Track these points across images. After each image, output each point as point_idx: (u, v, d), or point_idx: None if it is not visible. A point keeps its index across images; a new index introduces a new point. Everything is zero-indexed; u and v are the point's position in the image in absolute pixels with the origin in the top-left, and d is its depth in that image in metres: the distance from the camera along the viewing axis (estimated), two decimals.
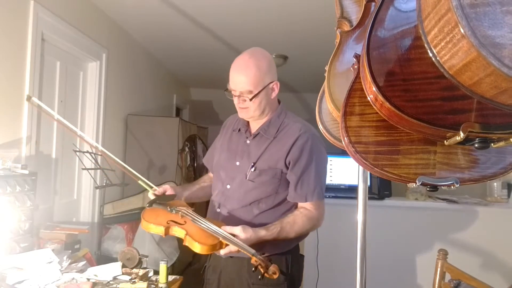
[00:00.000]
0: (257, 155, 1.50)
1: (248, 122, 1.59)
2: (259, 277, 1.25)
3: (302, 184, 1.47)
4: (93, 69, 3.10)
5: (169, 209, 1.46)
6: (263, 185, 1.48)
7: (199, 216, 1.45)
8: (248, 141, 1.56)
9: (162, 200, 1.51)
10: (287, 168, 1.48)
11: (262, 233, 1.37)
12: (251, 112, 1.49)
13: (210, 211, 1.63)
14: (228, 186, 1.55)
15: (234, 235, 1.33)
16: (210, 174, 1.78)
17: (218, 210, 1.57)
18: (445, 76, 0.53)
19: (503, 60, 0.45)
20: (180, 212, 1.44)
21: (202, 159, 1.87)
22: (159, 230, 1.37)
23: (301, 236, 1.52)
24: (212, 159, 1.71)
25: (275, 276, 1.25)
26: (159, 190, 1.54)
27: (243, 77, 1.43)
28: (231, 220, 1.49)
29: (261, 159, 1.49)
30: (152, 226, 1.39)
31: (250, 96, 1.43)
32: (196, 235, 1.32)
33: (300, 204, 1.51)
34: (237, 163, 1.54)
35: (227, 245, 1.32)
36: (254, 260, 1.26)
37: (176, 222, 1.39)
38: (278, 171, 1.47)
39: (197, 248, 1.30)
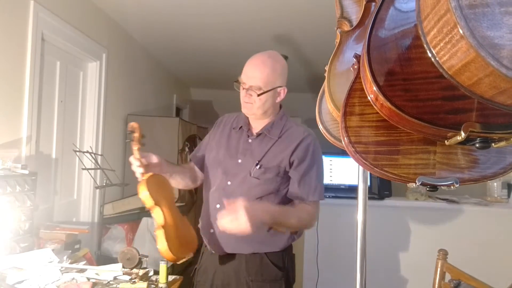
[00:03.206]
0: (261, 153, 1.54)
1: (249, 121, 1.62)
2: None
3: (304, 182, 1.53)
4: (93, 69, 3.10)
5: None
6: (266, 182, 1.52)
7: None
8: (250, 140, 1.59)
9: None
10: (290, 166, 1.53)
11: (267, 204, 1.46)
12: (254, 109, 1.53)
13: (209, 207, 1.60)
14: (229, 183, 1.56)
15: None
16: (191, 165, 1.75)
17: (218, 206, 1.55)
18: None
19: (501, 61, 0.45)
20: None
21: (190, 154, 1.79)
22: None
23: (296, 232, 1.59)
24: (202, 155, 1.71)
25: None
26: (144, 160, 1.47)
27: (258, 72, 1.49)
28: None
29: (266, 157, 1.54)
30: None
31: (258, 92, 1.49)
32: None
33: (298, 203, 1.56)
34: (239, 161, 1.57)
35: None
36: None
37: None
38: (282, 170, 1.53)
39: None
